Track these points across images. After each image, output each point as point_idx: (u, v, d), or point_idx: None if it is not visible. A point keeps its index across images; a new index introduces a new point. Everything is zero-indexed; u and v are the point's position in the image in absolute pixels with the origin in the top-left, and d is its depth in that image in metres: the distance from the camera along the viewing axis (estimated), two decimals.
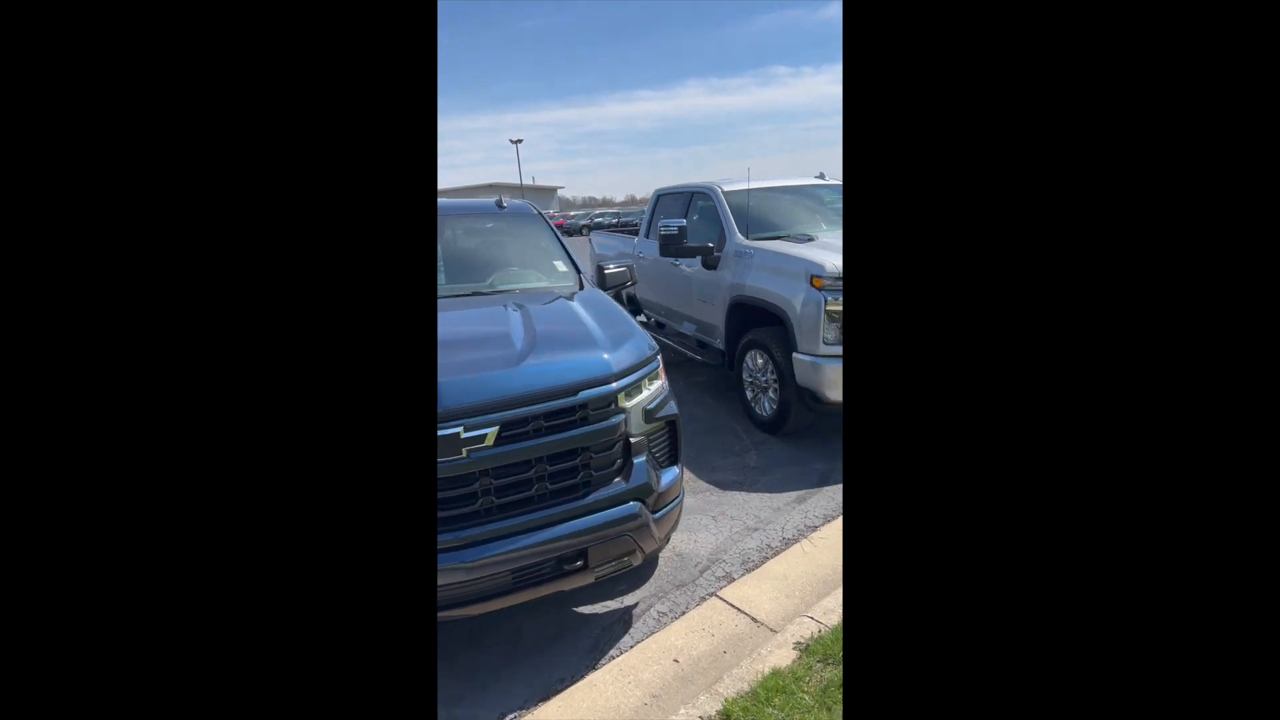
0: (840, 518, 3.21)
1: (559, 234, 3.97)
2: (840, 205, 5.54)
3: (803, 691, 2.03)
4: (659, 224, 5.03)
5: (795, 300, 3.92)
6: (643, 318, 6.57)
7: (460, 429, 1.96)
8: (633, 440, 2.28)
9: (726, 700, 2.02)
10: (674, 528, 2.53)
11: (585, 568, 2.17)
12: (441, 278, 3.36)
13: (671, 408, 2.45)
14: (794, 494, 3.48)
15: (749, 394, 4.54)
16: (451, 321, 2.65)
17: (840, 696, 1.97)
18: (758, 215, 5.15)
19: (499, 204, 4.07)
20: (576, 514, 2.14)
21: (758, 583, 2.70)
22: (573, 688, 2.17)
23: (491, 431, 2.00)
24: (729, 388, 5.30)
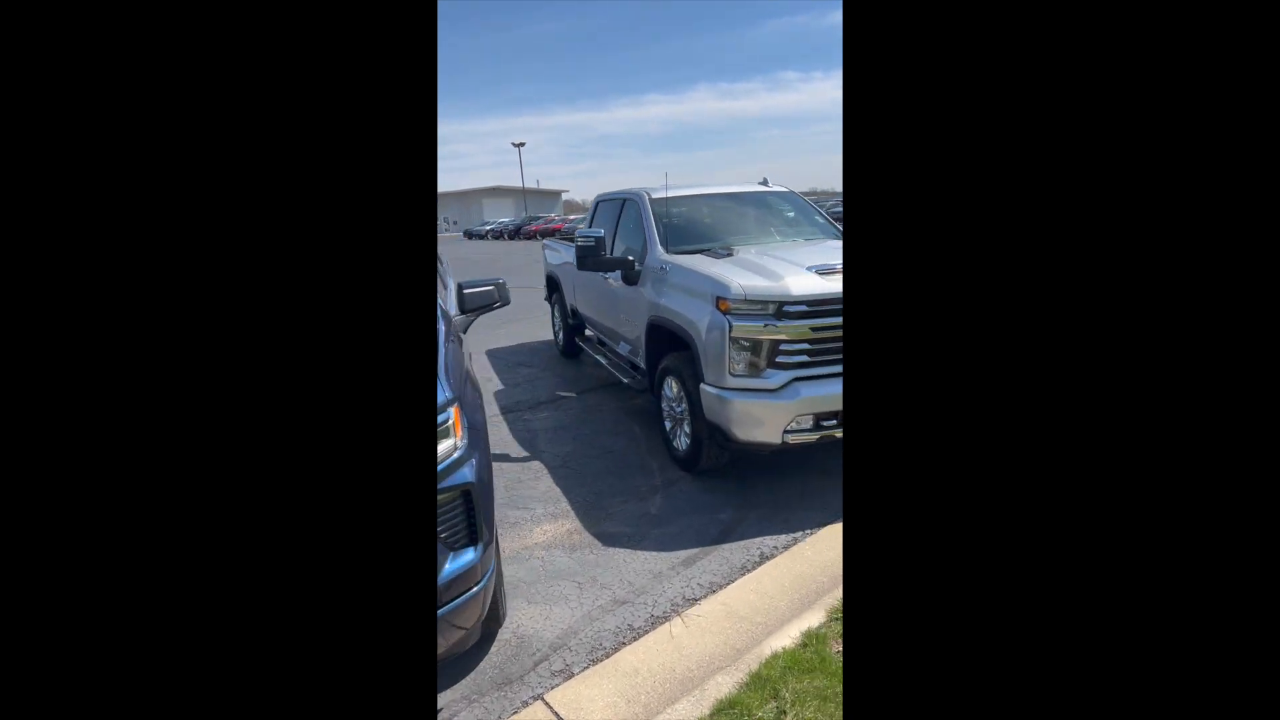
0: (727, 588, 2.71)
1: None
2: (793, 213, 5.04)
3: None
4: (577, 234, 4.57)
5: (701, 325, 3.43)
6: (590, 332, 6.09)
7: None
8: None
9: None
10: (481, 616, 2.05)
11: None
12: None
13: (465, 474, 1.95)
14: (685, 553, 2.99)
15: (667, 424, 4.04)
16: None
17: None
18: (691, 225, 4.67)
19: None
20: None
21: (599, 681, 2.21)
22: None
23: None
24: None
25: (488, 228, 43.44)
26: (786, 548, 3.00)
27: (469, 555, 1.95)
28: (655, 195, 4.74)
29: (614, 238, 5.11)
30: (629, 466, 4.01)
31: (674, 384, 3.83)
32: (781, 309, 3.16)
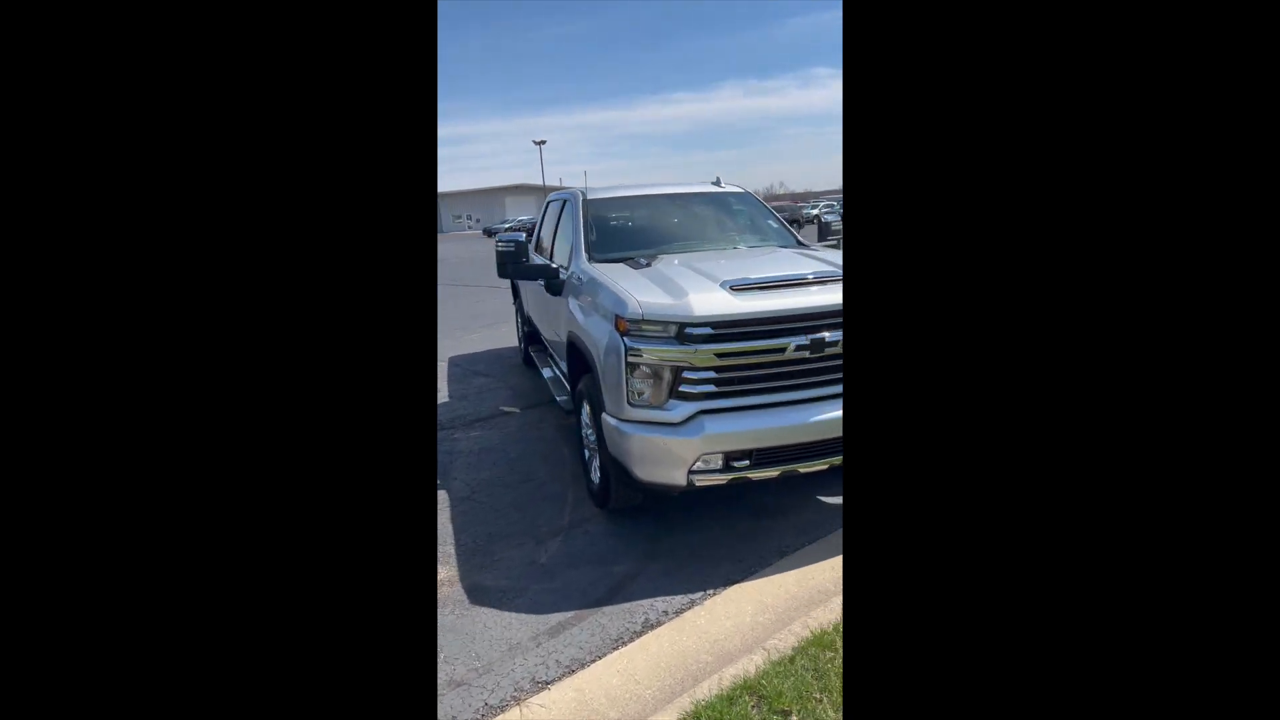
0: (590, 667, 2.27)
1: None
2: (744, 217, 4.56)
3: None
4: (498, 238, 4.15)
5: (600, 345, 2.99)
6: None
7: None
8: None
9: None
10: None
11: None
12: None
13: None
14: (557, 617, 2.55)
15: (585, 454, 3.61)
16: None
17: None
18: (624, 230, 4.22)
19: None
20: None
21: None
22: None
23: None
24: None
25: (506, 225, 43.46)
26: (679, 611, 2.54)
27: None
28: (592, 196, 4.31)
29: (554, 241, 4.69)
30: (543, 499, 3.59)
31: (588, 409, 3.39)
32: (683, 331, 2.70)
